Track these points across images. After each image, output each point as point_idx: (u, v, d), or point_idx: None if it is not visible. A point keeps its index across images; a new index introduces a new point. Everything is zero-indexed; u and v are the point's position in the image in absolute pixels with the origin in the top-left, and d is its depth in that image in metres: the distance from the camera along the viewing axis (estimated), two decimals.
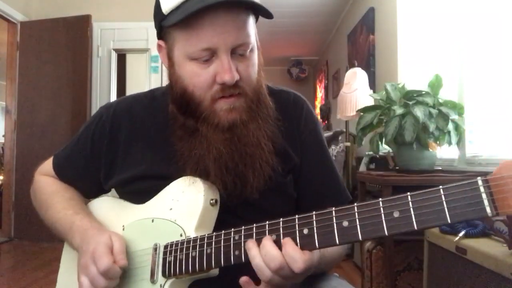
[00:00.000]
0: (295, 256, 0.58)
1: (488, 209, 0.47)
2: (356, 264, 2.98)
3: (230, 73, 0.70)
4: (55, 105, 4.00)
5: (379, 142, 2.00)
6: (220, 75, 0.71)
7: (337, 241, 0.57)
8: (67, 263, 0.90)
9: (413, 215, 0.51)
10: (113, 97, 4.08)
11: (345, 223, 0.55)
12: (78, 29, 3.97)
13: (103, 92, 4.06)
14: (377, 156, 2.36)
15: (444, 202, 0.49)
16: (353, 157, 3.31)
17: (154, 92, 0.92)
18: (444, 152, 2.18)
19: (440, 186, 0.50)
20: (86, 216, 0.84)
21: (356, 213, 0.55)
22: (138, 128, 0.86)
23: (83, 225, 0.80)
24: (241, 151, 0.74)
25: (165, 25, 0.73)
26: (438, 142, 1.87)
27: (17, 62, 4.12)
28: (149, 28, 3.70)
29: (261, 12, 0.74)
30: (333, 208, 0.57)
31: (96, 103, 3.98)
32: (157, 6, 0.75)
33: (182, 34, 0.72)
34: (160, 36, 0.79)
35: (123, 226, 0.81)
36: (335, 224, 0.57)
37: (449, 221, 0.49)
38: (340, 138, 3.32)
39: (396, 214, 0.52)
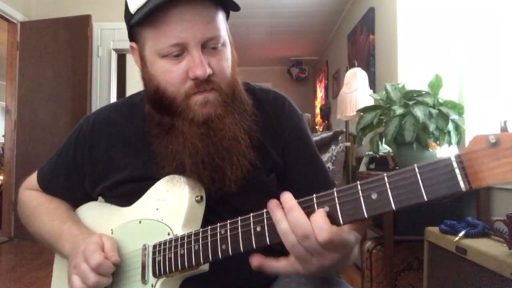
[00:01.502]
0: (322, 225, 0.54)
1: (462, 184, 0.47)
2: (356, 264, 2.97)
3: (202, 67, 0.70)
4: (55, 105, 4.00)
5: (379, 142, 1.99)
6: (192, 70, 0.71)
7: None
8: (59, 271, 0.90)
9: (390, 196, 0.51)
10: (113, 97, 4.08)
11: (326, 209, 0.56)
12: (78, 29, 3.97)
13: (103, 92, 4.05)
14: (377, 156, 2.35)
15: (420, 181, 0.50)
16: (353, 157, 3.30)
17: (133, 99, 0.91)
18: (444, 152, 2.18)
19: (415, 165, 0.50)
20: (74, 224, 0.83)
21: (336, 198, 0.55)
22: (119, 135, 0.86)
23: (71, 233, 0.79)
24: (217, 145, 0.73)
25: (133, 24, 0.73)
26: (438, 142, 1.87)
27: (17, 62, 4.12)
28: None
29: (228, 5, 0.75)
30: (314, 195, 0.57)
31: (96, 103, 3.98)
32: (126, 7, 0.75)
33: (151, 32, 0.72)
34: (131, 38, 0.79)
35: (112, 229, 0.81)
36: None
37: (425, 198, 0.49)
38: (340, 138, 3.31)
39: (374, 196, 0.52)
